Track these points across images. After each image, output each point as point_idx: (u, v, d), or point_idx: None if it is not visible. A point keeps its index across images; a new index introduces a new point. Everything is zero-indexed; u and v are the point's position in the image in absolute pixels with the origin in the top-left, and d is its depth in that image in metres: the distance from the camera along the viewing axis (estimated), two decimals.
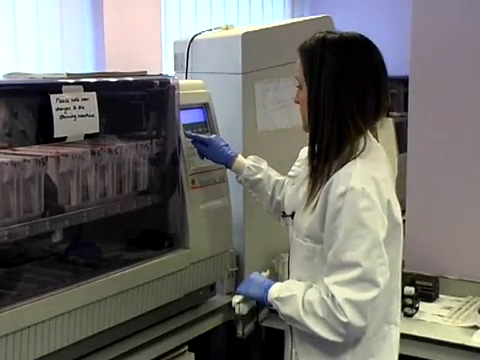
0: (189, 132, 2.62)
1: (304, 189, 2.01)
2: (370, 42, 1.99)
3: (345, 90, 1.92)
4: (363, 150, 1.94)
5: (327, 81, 1.92)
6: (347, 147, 1.94)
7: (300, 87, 2.02)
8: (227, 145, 2.59)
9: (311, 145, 2.00)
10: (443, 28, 3.00)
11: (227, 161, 2.56)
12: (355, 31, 2.01)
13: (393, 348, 2.06)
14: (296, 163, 2.28)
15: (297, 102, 2.04)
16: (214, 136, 2.63)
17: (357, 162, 1.92)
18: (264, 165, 2.51)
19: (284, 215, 2.15)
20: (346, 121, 1.92)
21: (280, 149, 2.89)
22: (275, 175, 2.45)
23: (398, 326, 2.08)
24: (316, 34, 1.99)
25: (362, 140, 1.95)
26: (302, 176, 2.08)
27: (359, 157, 1.93)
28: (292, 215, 2.08)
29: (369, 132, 2.00)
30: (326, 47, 1.94)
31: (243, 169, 2.51)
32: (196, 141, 2.60)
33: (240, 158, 2.54)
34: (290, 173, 2.29)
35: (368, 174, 1.90)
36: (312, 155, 1.99)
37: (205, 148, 2.60)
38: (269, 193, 2.43)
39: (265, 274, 2.23)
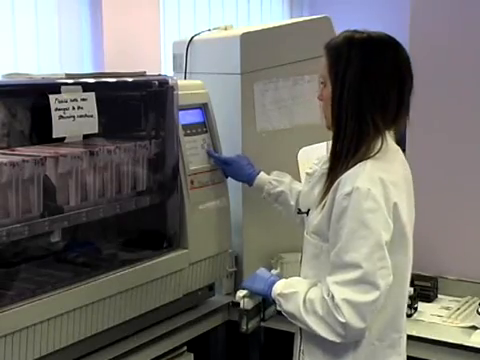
0: (211, 151, 2.67)
1: (319, 187, 2.01)
2: (396, 42, 1.98)
3: (369, 90, 1.91)
4: (379, 151, 1.92)
5: (352, 81, 1.91)
6: (363, 147, 1.92)
7: (324, 84, 2.00)
8: (250, 164, 2.63)
9: (334, 144, 1.97)
10: (442, 28, 3.00)
11: (249, 179, 2.60)
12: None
13: (402, 357, 2.06)
14: (315, 161, 2.25)
15: (320, 99, 2.03)
16: (236, 155, 2.68)
17: (368, 163, 1.90)
18: (287, 179, 2.51)
19: (299, 212, 2.15)
20: (366, 120, 1.91)
21: (279, 149, 2.89)
22: (299, 186, 2.44)
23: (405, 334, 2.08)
24: (343, 32, 1.98)
25: (379, 141, 1.93)
26: (318, 174, 2.08)
27: (372, 158, 1.91)
28: (307, 212, 2.08)
29: (387, 134, 1.98)
30: (352, 46, 1.93)
31: (264, 184, 2.52)
32: (219, 161, 2.67)
33: (262, 174, 2.56)
34: (308, 171, 2.27)
35: (376, 175, 1.88)
36: (334, 154, 1.97)
37: (227, 167, 2.66)
38: (292, 203, 2.42)
39: (274, 272, 2.22)
